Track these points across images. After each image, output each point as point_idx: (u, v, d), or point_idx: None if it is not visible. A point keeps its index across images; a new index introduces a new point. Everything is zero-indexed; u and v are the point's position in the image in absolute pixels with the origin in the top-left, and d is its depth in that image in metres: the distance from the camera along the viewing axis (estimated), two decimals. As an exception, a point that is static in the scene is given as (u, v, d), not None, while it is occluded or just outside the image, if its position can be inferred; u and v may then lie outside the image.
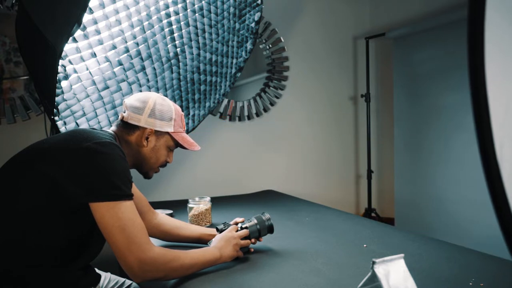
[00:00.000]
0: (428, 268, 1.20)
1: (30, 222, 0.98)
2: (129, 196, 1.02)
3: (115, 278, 1.37)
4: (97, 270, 1.30)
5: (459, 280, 1.11)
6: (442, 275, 1.15)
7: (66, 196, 0.97)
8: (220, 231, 1.33)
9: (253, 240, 1.33)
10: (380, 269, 0.80)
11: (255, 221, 1.34)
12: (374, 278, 0.80)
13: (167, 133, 1.26)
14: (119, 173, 1.01)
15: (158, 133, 1.25)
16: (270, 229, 1.36)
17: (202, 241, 1.42)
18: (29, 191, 0.99)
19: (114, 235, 0.97)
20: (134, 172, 2.77)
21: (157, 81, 2.02)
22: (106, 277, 1.34)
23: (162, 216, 1.46)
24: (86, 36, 1.65)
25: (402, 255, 0.84)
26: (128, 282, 1.37)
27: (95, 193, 0.97)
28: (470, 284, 1.08)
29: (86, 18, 1.60)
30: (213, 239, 1.28)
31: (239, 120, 2.91)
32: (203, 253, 1.16)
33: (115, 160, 1.02)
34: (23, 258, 0.97)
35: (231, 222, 1.37)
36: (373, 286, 0.80)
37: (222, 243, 1.23)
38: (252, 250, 1.35)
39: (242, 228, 1.32)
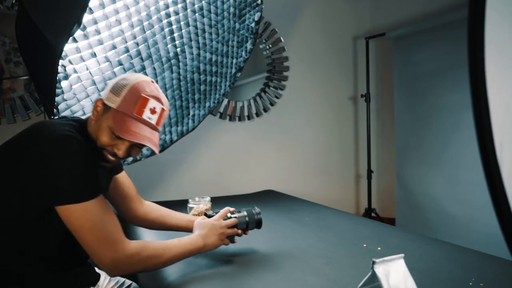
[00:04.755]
0: (428, 268, 1.20)
1: (15, 228, 0.97)
2: (91, 195, 0.96)
3: (115, 278, 1.37)
4: (96, 270, 1.29)
5: (459, 280, 1.11)
6: (442, 275, 1.15)
7: (32, 202, 0.95)
8: (208, 217, 1.30)
9: (239, 231, 1.30)
10: (380, 269, 0.80)
11: (245, 213, 1.32)
12: (374, 278, 0.80)
13: (112, 109, 1.06)
14: (74, 173, 0.95)
15: (106, 107, 1.08)
16: (258, 224, 1.34)
17: (189, 229, 1.36)
18: (4, 198, 0.97)
19: (83, 236, 0.95)
20: (134, 170, 2.75)
21: (157, 81, 2.02)
22: (106, 277, 1.34)
23: (148, 204, 1.43)
24: (86, 36, 1.65)
25: (402, 255, 0.84)
26: (128, 282, 1.37)
27: (55, 197, 0.94)
28: (470, 284, 1.08)
29: (86, 18, 1.60)
30: (196, 222, 1.24)
31: (239, 120, 2.91)
32: (185, 243, 1.14)
33: (70, 160, 0.94)
34: (19, 261, 0.98)
35: (222, 210, 1.33)
36: (373, 286, 0.80)
37: (206, 231, 1.20)
38: (236, 241, 1.32)
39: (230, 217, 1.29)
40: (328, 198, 3.05)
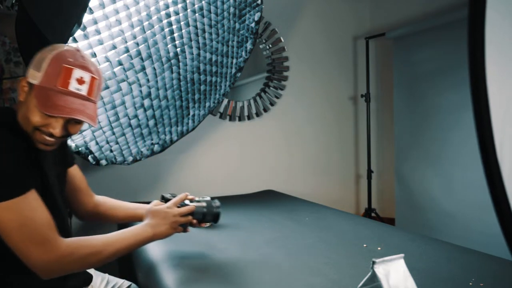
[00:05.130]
0: (428, 268, 1.20)
1: None
2: (17, 192, 0.90)
3: (114, 279, 1.35)
4: (93, 270, 1.29)
5: (459, 280, 1.11)
6: (442, 275, 1.15)
7: None
8: (165, 200, 1.26)
9: (194, 220, 1.22)
10: (380, 269, 0.80)
11: (204, 203, 1.26)
12: (374, 278, 0.80)
13: (35, 86, 0.97)
14: None
15: (31, 86, 0.98)
16: (215, 217, 1.27)
17: (141, 219, 1.26)
18: None
19: (10, 237, 0.89)
20: (134, 170, 2.73)
21: (157, 81, 2.02)
22: (104, 278, 1.33)
23: (99, 197, 1.36)
24: (86, 36, 1.65)
25: (402, 255, 0.84)
26: (127, 283, 1.36)
27: None
28: (470, 284, 1.08)
29: (86, 18, 1.60)
30: (148, 209, 1.17)
31: (239, 120, 2.90)
32: (130, 235, 1.08)
33: None
34: (5, 266, 0.96)
35: (181, 195, 1.25)
36: (373, 286, 0.80)
37: (157, 220, 1.14)
38: (189, 230, 1.24)
39: (187, 204, 1.23)
40: (328, 198, 3.05)
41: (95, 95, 1.02)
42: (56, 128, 0.97)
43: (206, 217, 1.25)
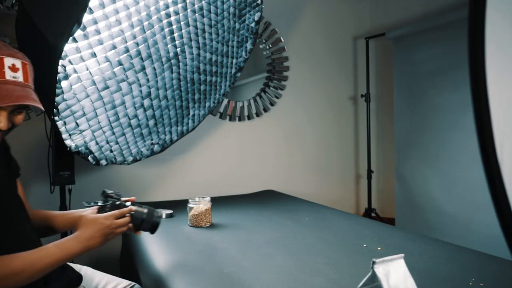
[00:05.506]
0: (428, 268, 1.20)
1: None
2: None
3: (115, 279, 1.34)
4: (90, 270, 1.27)
5: (459, 280, 1.11)
6: (442, 275, 1.15)
7: None
8: (105, 196, 1.20)
9: (130, 224, 1.17)
10: (380, 269, 0.80)
11: (145, 210, 1.20)
12: (374, 278, 0.80)
13: None
14: None
15: None
16: (153, 227, 1.21)
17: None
18: None
19: None
20: (134, 170, 2.73)
21: (157, 81, 2.02)
22: (102, 278, 1.32)
23: (34, 211, 1.26)
24: (86, 36, 1.65)
25: (402, 255, 0.84)
26: (130, 283, 1.35)
27: None
28: (470, 284, 1.08)
29: (86, 18, 1.60)
30: (83, 218, 1.09)
31: (239, 120, 2.91)
32: (57, 251, 1.00)
33: None
34: None
35: (124, 209, 1.16)
36: (373, 286, 0.80)
37: (91, 232, 1.07)
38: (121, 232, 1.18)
39: (126, 206, 1.18)
40: (328, 198, 3.05)
41: (31, 81, 1.00)
42: (1, 122, 0.95)
43: (144, 224, 1.19)
